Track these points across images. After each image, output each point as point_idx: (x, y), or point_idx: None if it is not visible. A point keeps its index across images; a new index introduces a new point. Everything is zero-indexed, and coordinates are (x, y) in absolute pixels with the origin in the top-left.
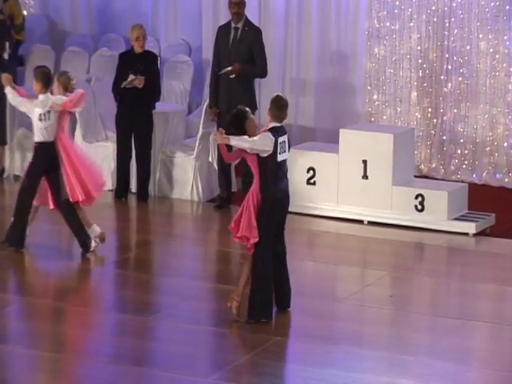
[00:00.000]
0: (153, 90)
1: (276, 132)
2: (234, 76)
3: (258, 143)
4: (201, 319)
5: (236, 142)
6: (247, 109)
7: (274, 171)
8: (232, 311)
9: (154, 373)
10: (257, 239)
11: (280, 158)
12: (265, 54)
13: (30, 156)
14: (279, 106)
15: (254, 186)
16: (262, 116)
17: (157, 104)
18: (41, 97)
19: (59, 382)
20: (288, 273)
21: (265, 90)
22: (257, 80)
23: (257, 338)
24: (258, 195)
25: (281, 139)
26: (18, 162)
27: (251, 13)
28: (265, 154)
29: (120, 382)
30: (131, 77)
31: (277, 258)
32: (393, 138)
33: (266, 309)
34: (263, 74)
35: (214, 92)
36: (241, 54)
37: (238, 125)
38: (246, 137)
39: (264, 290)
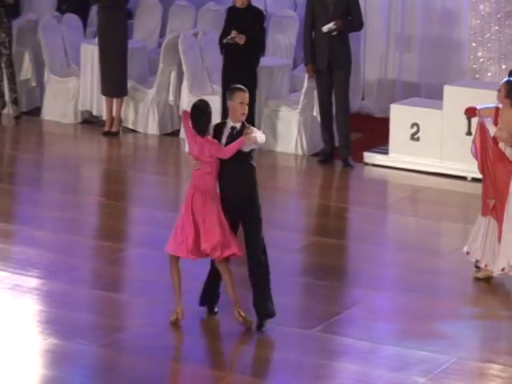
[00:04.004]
0: (256, 47)
1: None
2: (335, 33)
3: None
4: (304, 271)
5: (261, 137)
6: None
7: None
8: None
9: None
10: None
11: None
12: (360, 6)
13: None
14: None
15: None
16: (367, 71)
17: (262, 59)
18: None
19: (167, 331)
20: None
21: (369, 45)
22: (361, 35)
23: (358, 293)
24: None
25: None
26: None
27: None
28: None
29: (225, 332)
30: (233, 33)
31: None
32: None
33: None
34: (361, 26)
35: (311, 49)
36: (340, 10)
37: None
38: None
39: None
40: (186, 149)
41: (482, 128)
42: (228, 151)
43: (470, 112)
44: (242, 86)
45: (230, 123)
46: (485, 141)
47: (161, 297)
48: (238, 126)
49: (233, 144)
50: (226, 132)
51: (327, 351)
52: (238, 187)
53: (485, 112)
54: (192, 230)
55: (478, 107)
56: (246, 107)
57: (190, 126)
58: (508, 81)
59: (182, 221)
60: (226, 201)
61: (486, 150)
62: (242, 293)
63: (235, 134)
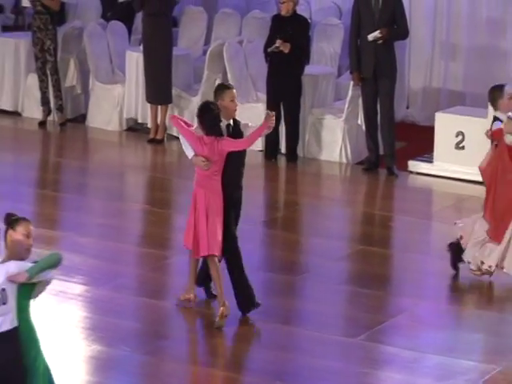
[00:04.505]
0: (301, 55)
1: None
2: (381, 41)
3: None
4: (348, 280)
5: None
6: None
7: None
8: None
9: (302, 331)
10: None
11: None
12: (405, 15)
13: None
14: None
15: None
16: (412, 80)
17: (307, 67)
18: None
19: (212, 338)
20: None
21: (414, 54)
22: (407, 44)
23: (403, 301)
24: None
25: None
26: None
27: None
28: None
29: (269, 340)
30: (278, 42)
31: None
32: None
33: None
34: (406, 35)
35: (356, 57)
36: (386, 18)
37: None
38: None
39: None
40: (189, 154)
41: (499, 142)
42: (248, 141)
43: (497, 135)
44: (229, 84)
45: (224, 122)
46: (498, 155)
47: (205, 304)
48: (231, 122)
49: (253, 133)
50: (224, 131)
51: (371, 360)
52: (238, 178)
53: (508, 128)
54: (206, 229)
55: (501, 126)
56: (237, 103)
57: (188, 127)
58: None
59: (197, 221)
60: (229, 196)
61: (499, 161)
62: (277, 300)
63: (232, 132)
